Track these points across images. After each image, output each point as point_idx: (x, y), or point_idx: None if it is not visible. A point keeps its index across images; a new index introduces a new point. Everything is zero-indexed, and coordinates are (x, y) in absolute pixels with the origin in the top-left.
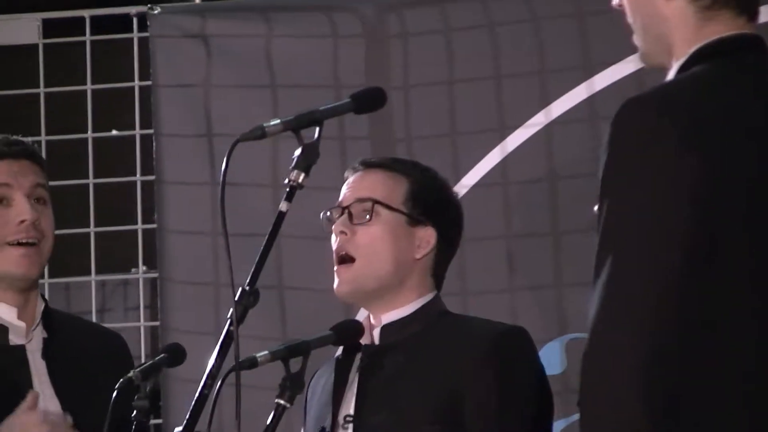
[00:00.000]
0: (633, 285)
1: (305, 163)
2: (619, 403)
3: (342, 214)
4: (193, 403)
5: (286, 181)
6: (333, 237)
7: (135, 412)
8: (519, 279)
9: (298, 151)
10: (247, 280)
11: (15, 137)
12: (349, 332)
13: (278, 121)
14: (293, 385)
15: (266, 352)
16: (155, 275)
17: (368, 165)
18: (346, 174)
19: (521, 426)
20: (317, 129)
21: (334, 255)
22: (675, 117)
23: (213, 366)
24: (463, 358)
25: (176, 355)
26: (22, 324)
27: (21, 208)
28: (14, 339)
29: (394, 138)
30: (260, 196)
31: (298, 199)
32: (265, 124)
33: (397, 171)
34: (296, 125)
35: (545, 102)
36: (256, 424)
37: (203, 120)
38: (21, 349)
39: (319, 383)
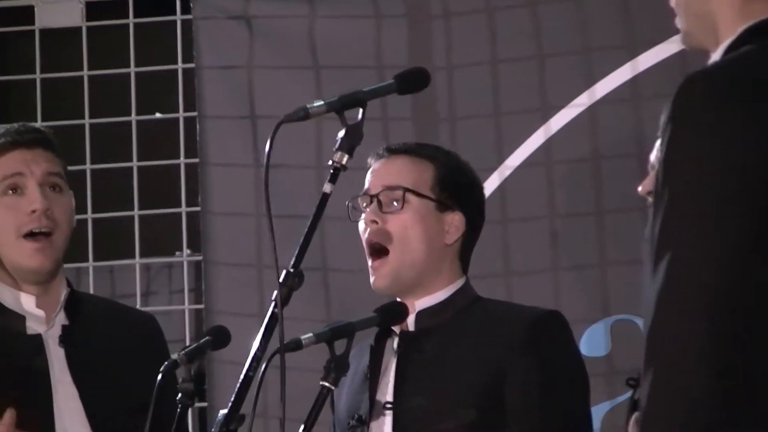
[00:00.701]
0: (698, 273)
1: (349, 144)
2: (688, 388)
3: (371, 202)
4: (238, 385)
5: (330, 162)
6: (361, 226)
7: (180, 395)
8: (563, 259)
9: (341, 133)
10: (292, 262)
11: (30, 124)
12: (393, 314)
13: (322, 102)
14: (338, 367)
15: (311, 334)
16: (199, 258)
17: (393, 151)
18: (369, 160)
19: (560, 411)
20: (361, 110)
21: (366, 245)
22: (742, 94)
23: (258, 348)
24: (501, 342)
25: (221, 337)
26: (41, 312)
27: (32, 197)
28: (33, 327)
29: (438, 119)
30: (304, 177)
31: (342, 180)
32: (308, 105)
33: (422, 156)
34: (340, 106)
35: (589, 82)
36: (301, 407)
37: (246, 102)
38: (38, 338)
39: (350, 370)
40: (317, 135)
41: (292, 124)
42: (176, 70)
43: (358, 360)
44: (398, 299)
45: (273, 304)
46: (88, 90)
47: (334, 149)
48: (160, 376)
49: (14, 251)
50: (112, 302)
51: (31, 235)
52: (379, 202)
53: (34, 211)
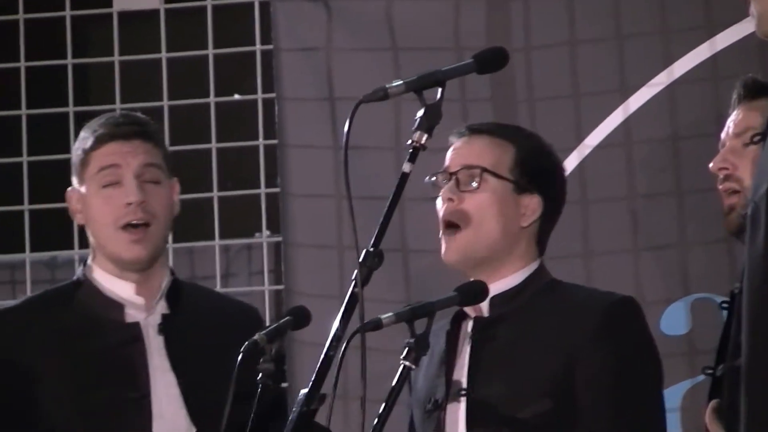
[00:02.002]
0: None
1: (428, 124)
2: None
3: (449, 180)
4: (319, 365)
5: (409, 142)
6: (439, 202)
7: (260, 374)
8: (642, 239)
9: (420, 113)
10: (372, 242)
11: (131, 114)
12: (473, 293)
13: (400, 82)
14: (418, 347)
15: (391, 313)
16: (279, 239)
17: (474, 130)
18: (450, 138)
19: (631, 400)
20: (439, 90)
21: (441, 222)
22: None
23: (338, 328)
24: (574, 330)
25: (301, 317)
26: (141, 300)
27: (128, 190)
28: (133, 314)
29: (516, 100)
30: (383, 158)
31: (421, 160)
32: (387, 85)
33: (503, 138)
34: (418, 86)
35: (668, 62)
36: (381, 386)
37: (325, 83)
38: (136, 326)
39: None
40: (396, 116)
41: (371, 106)
42: (254, 52)
43: (434, 343)
44: (471, 279)
45: (353, 284)
46: (166, 72)
47: (413, 129)
48: (240, 357)
49: (112, 242)
50: (215, 293)
51: (128, 227)
52: (458, 181)
53: (129, 204)
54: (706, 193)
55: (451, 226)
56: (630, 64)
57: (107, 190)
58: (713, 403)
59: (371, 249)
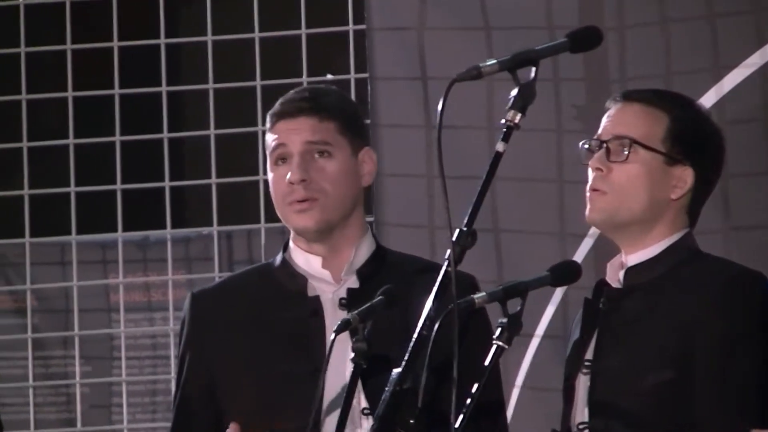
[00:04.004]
0: None
1: (522, 103)
2: None
3: (600, 148)
4: (412, 344)
5: (503, 121)
6: (589, 170)
7: (353, 354)
8: (733, 219)
9: (514, 92)
10: (465, 221)
11: (307, 88)
12: (566, 273)
13: (494, 61)
14: (511, 327)
15: (483, 293)
16: (371, 219)
17: (629, 97)
18: (607, 104)
19: (749, 372)
20: (533, 69)
21: (588, 188)
22: None
23: (431, 308)
24: (696, 301)
25: (393, 297)
26: (327, 273)
27: (290, 169)
28: (318, 288)
29: (609, 79)
30: (475, 137)
31: (513, 140)
32: (480, 64)
33: (657, 107)
34: (512, 65)
35: (761, 41)
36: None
37: (417, 63)
38: (316, 300)
39: (578, 327)
40: (488, 95)
41: (463, 85)
42: (347, 32)
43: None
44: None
45: (446, 263)
46: (259, 52)
47: (506, 108)
48: (333, 336)
49: (285, 216)
50: (428, 263)
51: (294, 202)
52: (608, 150)
53: (291, 183)
54: None
55: (598, 191)
56: (723, 44)
57: (278, 168)
58: None
59: (464, 228)
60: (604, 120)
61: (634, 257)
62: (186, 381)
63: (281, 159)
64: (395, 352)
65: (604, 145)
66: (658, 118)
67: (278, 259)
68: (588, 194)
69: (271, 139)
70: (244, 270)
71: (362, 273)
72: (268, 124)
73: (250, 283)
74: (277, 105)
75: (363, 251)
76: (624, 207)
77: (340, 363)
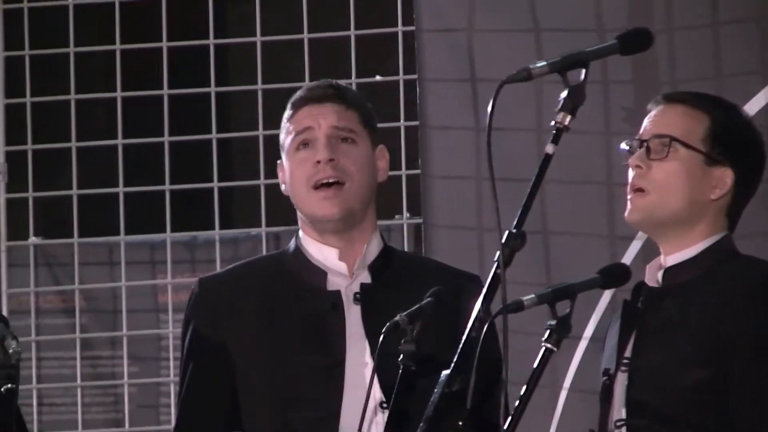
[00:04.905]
0: None
1: (571, 105)
2: None
3: (640, 147)
4: (461, 346)
5: (552, 123)
6: (630, 170)
7: (401, 356)
8: None
9: (564, 93)
10: (514, 223)
11: (328, 80)
12: (615, 276)
13: (544, 62)
14: (560, 329)
15: (533, 295)
16: (419, 221)
17: (670, 99)
18: (648, 106)
19: None
20: (583, 71)
21: (628, 187)
22: None
23: (480, 309)
24: (732, 302)
25: (440, 300)
26: (343, 266)
27: (318, 148)
28: (334, 282)
29: (658, 81)
30: (524, 139)
31: (562, 142)
32: (530, 66)
33: (698, 108)
34: (562, 67)
35: None
36: (523, 368)
37: (467, 64)
38: (336, 294)
39: (614, 326)
40: (537, 97)
41: (511, 86)
42: (396, 33)
43: (620, 316)
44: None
45: (495, 265)
46: (308, 53)
47: (556, 110)
48: (381, 338)
49: (307, 203)
50: (435, 263)
51: (320, 186)
52: (648, 149)
53: (318, 162)
54: None
55: (639, 190)
56: None
57: (301, 152)
58: None
59: (514, 230)
60: (646, 121)
61: (672, 258)
62: (198, 364)
63: (304, 144)
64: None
65: (645, 144)
66: (698, 118)
67: (291, 249)
68: (629, 195)
69: (294, 124)
70: (255, 258)
71: (373, 268)
72: (288, 112)
73: (263, 272)
74: (299, 94)
75: (374, 247)
76: (663, 205)
77: (360, 357)
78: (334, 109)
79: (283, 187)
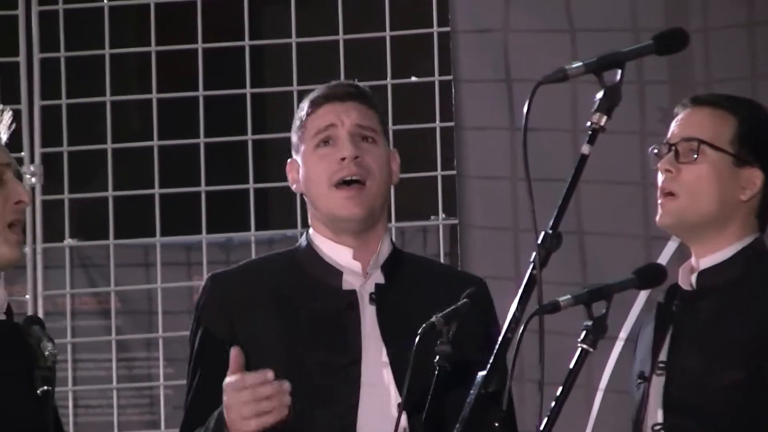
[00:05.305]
0: None
1: (607, 105)
2: None
3: (669, 151)
4: (497, 347)
5: (588, 123)
6: (659, 174)
7: (437, 357)
8: None
9: (599, 94)
10: (550, 223)
11: (343, 81)
12: (652, 276)
13: (580, 63)
14: (596, 330)
15: (569, 296)
16: (455, 222)
17: (697, 102)
18: (675, 110)
19: None
20: (619, 71)
21: (659, 191)
22: None
23: (516, 310)
24: (764, 302)
25: (476, 301)
26: (357, 265)
27: (342, 146)
28: (349, 281)
29: (694, 82)
30: (559, 140)
31: (598, 143)
32: (566, 67)
33: (725, 109)
34: (598, 67)
35: None
36: (560, 368)
37: (502, 65)
38: (353, 294)
39: (646, 329)
40: (572, 98)
41: (547, 87)
42: (432, 34)
43: (650, 317)
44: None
45: (531, 266)
46: (343, 54)
47: (592, 110)
48: (417, 338)
49: (327, 201)
50: (442, 265)
51: (342, 184)
52: (677, 152)
53: (343, 159)
54: None
55: (669, 194)
56: None
57: (322, 149)
58: None
59: (550, 231)
60: (673, 125)
61: (706, 260)
62: (210, 363)
63: (325, 141)
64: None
65: (673, 147)
66: (725, 120)
67: (302, 246)
68: (659, 200)
69: (315, 121)
70: (266, 255)
71: (385, 269)
72: (307, 109)
73: (276, 270)
74: (318, 92)
75: (385, 248)
76: (694, 208)
77: (376, 357)
78: (356, 107)
79: (294, 186)
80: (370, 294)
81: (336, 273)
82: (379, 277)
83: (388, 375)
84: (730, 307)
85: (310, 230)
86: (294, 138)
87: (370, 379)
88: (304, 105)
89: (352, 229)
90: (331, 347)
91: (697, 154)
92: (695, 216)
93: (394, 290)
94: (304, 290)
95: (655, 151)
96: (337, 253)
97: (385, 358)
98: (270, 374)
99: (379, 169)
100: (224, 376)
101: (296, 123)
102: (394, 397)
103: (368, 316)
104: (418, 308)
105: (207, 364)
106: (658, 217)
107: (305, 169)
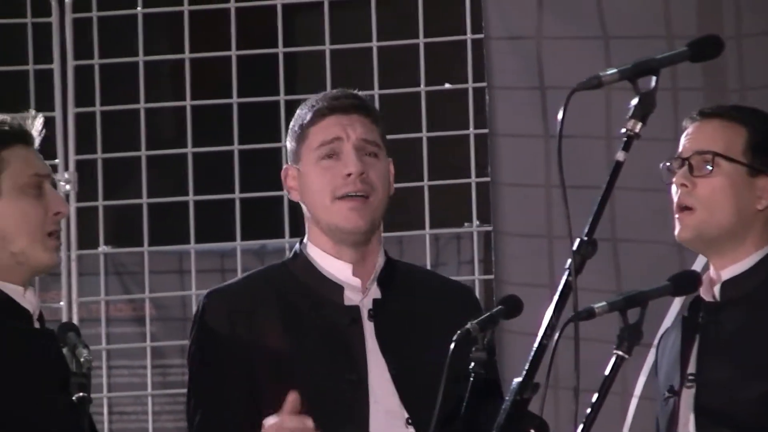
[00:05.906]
0: None
1: (642, 112)
2: None
3: (682, 165)
4: (532, 353)
5: (623, 130)
6: (674, 188)
7: (473, 364)
8: None
9: (634, 101)
10: (585, 230)
11: (346, 90)
12: (686, 283)
13: (615, 70)
14: (631, 336)
15: (603, 303)
16: (488, 229)
17: (706, 114)
18: (684, 123)
19: None
20: (654, 78)
21: (675, 206)
22: None
23: (551, 317)
24: None
25: (513, 307)
26: (357, 282)
27: (348, 161)
28: (350, 297)
29: (728, 89)
30: (594, 147)
31: (632, 150)
32: (601, 74)
33: (735, 120)
34: (633, 74)
35: None
36: (594, 375)
37: (535, 72)
38: (355, 309)
39: (669, 341)
40: (606, 105)
41: (581, 94)
42: (465, 41)
43: (678, 330)
44: (703, 257)
45: (566, 273)
46: (377, 61)
47: (626, 117)
48: (452, 345)
49: (330, 213)
50: (430, 273)
51: (346, 197)
52: (690, 166)
53: (349, 175)
54: None
55: (686, 209)
56: None
57: (326, 162)
58: None
59: (585, 238)
60: (683, 139)
61: (727, 271)
62: (220, 377)
63: (329, 155)
64: (426, 359)
65: (686, 162)
66: (736, 131)
67: (297, 259)
68: (676, 215)
69: (318, 132)
70: (262, 269)
71: (381, 281)
72: (308, 119)
73: (276, 283)
74: (321, 102)
75: (381, 260)
76: (712, 221)
77: (383, 371)
78: (361, 121)
79: (293, 194)
80: (369, 310)
81: (336, 288)
82: (376, 292)
83: (392, 390)
84: (755, 317)
85: (305, 240)
86: (291, 145)
87: (377, 396)
88: (305, 113)
89: (352, 241)
90: (338, 362)
91: (712, 167)
92: (714, 229)
93: (391, 304)
94: (307, 305)
95: (668, 165)
96: (336, 268)
97: (387, 374)
98: (309, 422)
99: (381, 184)
100: (240, 382)
101: (295, 130)
102: (399, 413)
103: (368, 331)
104: (413, 321)
105: (219, 375)
106: (676, 232)
107: (307, 179)
